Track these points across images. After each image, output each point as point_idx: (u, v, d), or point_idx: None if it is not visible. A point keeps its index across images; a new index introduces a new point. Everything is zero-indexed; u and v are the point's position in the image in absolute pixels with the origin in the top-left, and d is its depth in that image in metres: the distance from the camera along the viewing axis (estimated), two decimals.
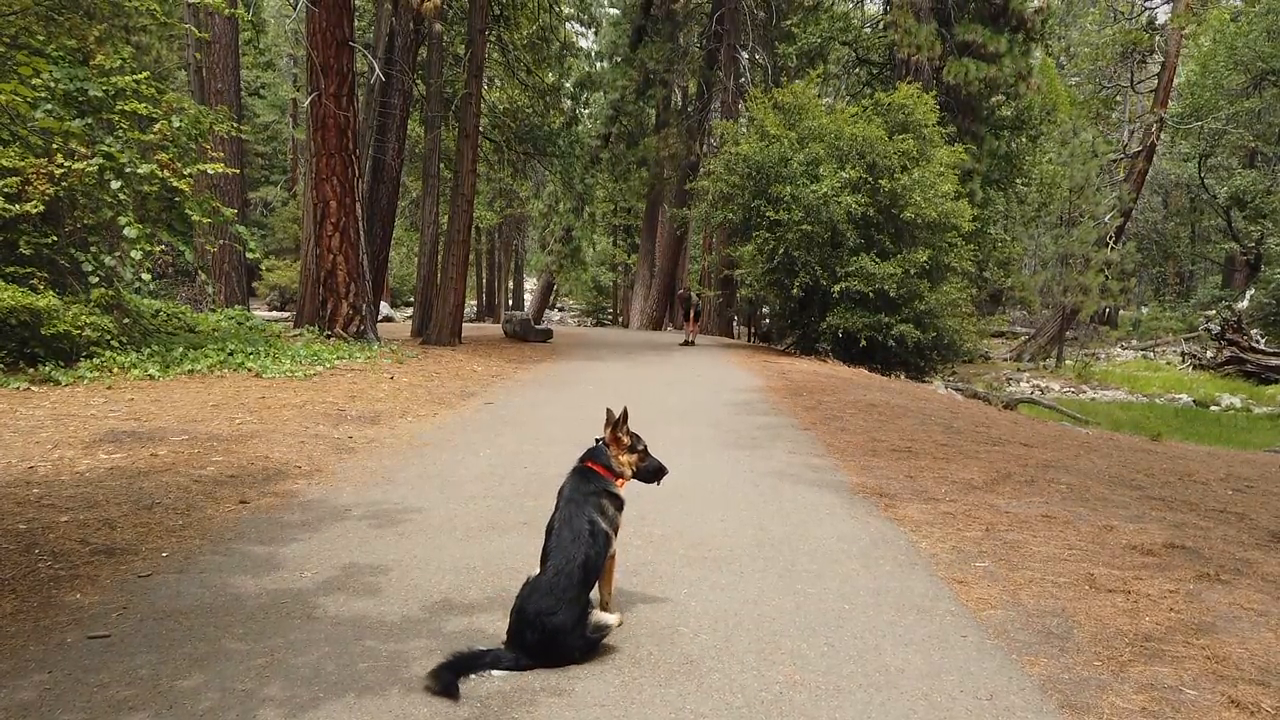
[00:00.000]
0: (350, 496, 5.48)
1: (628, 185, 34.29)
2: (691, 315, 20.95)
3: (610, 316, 49.84)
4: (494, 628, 3.41)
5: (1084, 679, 3.13)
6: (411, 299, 42.19)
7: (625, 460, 3.58)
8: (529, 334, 20.87)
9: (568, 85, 29.13)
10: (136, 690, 2.83)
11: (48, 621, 3.37)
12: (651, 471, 3.69)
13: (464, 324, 19.15)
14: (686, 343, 20.24)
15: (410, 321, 26.41)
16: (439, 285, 18.03)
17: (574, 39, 30.36)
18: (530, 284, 56.60)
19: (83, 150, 9.95)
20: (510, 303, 51.75)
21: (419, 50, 19.75)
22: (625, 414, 3.61)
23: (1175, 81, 39.60)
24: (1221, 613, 3.85)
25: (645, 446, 3.66)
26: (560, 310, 55.55)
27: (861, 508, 5.57)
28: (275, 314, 30.58)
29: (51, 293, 9.76)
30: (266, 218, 43.97)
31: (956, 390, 16.98)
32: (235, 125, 12.31)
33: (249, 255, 11.71)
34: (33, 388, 8.78)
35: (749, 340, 29.14)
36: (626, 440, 3.59)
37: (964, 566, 4.39)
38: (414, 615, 3.53)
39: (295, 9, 32.40)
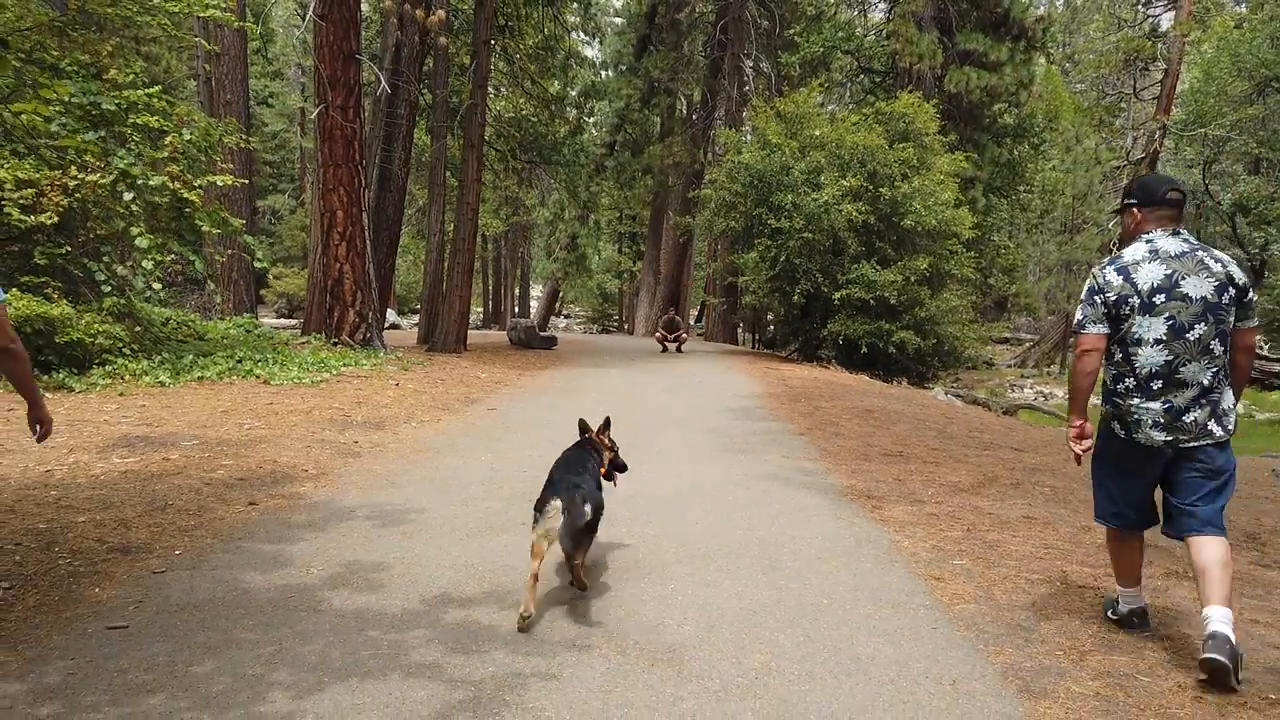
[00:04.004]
0: (355, 498, 5.69)
1: (632, 193, 34.54)
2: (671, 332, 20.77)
3: (615, 323, 50.06)
4: (490, 619, 3.61)
5: (1045, 667, 3.32)
6: (417, 306, 42.54)
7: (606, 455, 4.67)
8: (534, 341, 21.07)
9: (572, 94, 29.42)
10: (154, 675, 3.03)
11: (69, 614, 3.58)
12: (618, 466, 4.75)
13: (469, 331, 19.39)
14: (670, 349, 20.19)
15: (416, 328, 26.67)
16: (445, 293, 18.26)
17: (578, 47, 30.61)
18: (535, 291, 56.89)
19: (96, 163, 10.20)
20: (516, 310, 52.01)
21: (425, 60, 20.03)
22: (608, 421, 4.93)
23: (1179, 88, 39.72)
24: (1185, 607, 4.03)
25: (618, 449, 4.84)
26: (565, 317, 55.80)
27: (848, 509, 5.76)
28: (282, 321, 30.81)
29: (65, 302, 10.02)
30: (274, 226, 44.32)
31: (957, 397, 17.14)
32: (244, 137, 12.57)
33: (257, 264, 11.98)
34: (47, 394, 9.01)
35: (753, 347, 29.31)
36: (608, 441, 4.80)
37: (942, 564, 4.57)
38: (414, 608, 3.73)
39: (304, 21, 32.67)
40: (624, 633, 3.53)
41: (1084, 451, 3.65)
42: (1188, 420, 3.45)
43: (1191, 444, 3.47)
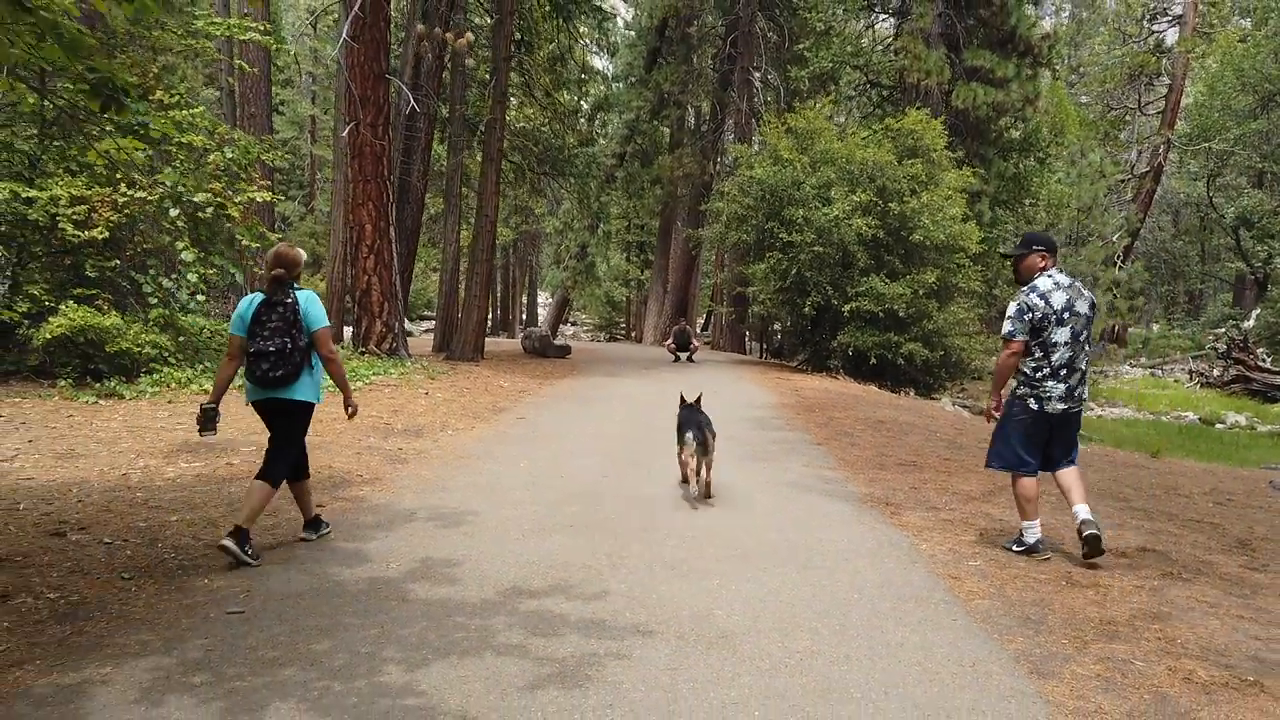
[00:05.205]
0: (412, 502, 6.15)
1: (642, 203, 35.06)
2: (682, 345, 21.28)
3: (623, 331, 50.49)
4: (560, 608, 4.08)
5: (1052, 653, 3.77)
6: (425, 313, 43.00)
7: None
8: (548, 350, 21.57)
9: (585, 107, 29.96)
10: (281, 652, 3.49)
11: (188, 601, 4.04)
12: None
13: None
14: (681, 359, 20.75)
15: (426, 335, 27.08)
16: (463, 302, 18.76)
17: (590, 59, 31.15)
18: (543, 298, 57.42)
19: (144, 180, 10.70)
20: (524, 317, 52.50)
21: (443, 74, 20.57)
22: (700, 396, 7.12)
23: (1183, 103, 40.21)
24: (1178, 604, 4.48)
25: None
26: (573, 325, 56.22)
27: (869, 515, 6.21)
28: None
29: (115, 313, 10.50)
30: (283, 233, 44.74)
31: (964, 407, 17.55)
32: (281, 154, 13.05)
33: (302, 282, 12.43)
34: (101, 402, 9.50)
35: (761, 356, 29.78)
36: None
37: (958, 565, 5.02)
38: (491, 599, 4.20)
39: (314, 29, 33.09)
40: (679, 621, 3.99)
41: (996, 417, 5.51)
42: (1076, 394, 5.19)
43: (1075, 409, 5.23)
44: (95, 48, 4.23)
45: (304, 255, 5.07)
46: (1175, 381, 32.03)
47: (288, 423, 5.00)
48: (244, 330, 4.78)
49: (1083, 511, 5.12)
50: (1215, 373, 29.79)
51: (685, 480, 6.80)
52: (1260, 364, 27.92)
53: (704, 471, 6.45)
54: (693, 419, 6.60)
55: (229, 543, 4.55)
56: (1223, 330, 33.66)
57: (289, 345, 4.75)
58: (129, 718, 2.93)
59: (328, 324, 4.98)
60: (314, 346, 4.92)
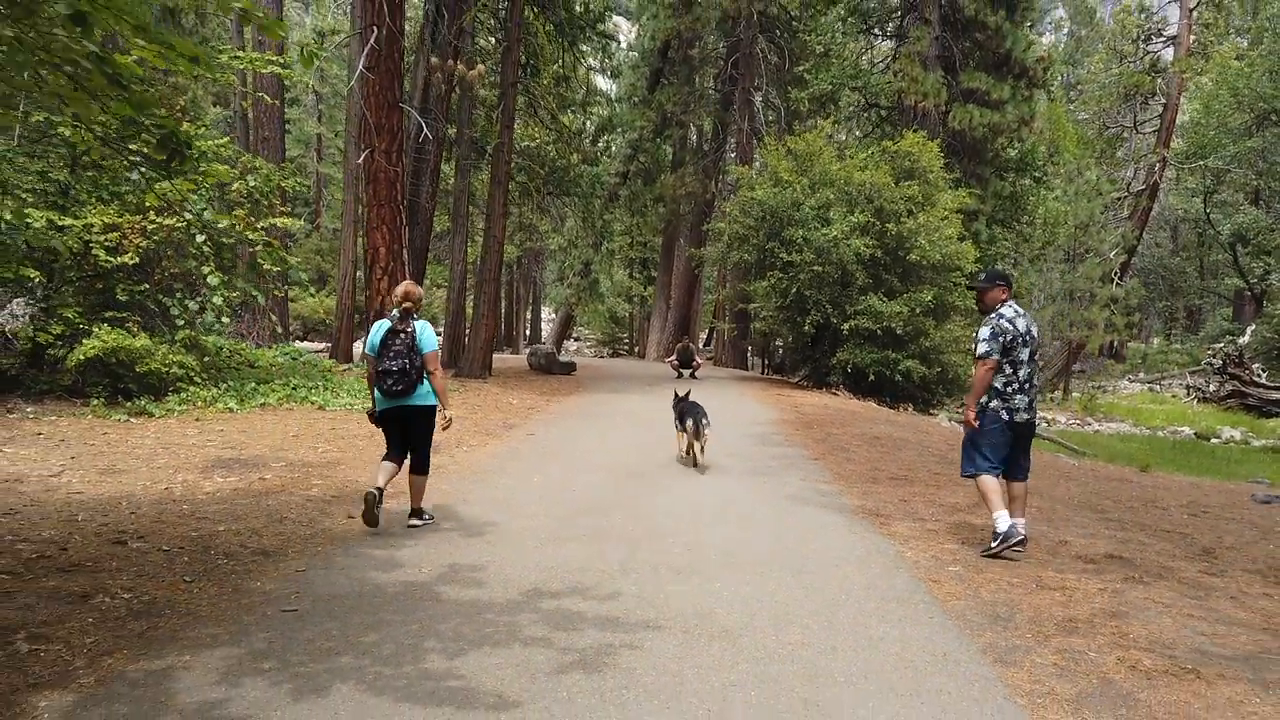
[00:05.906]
0: (436, 514, 6.61)
1: (645, 221, 35.63)
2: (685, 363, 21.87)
3: (626, 347, 50.99)
4: (577, 607, 4.55)
5: (1016, 646, 4.23)
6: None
7: None
8: (554, 366, 22.07)
9: (589, 126, 30.58)
10: (334, 643, 3.97)
11: (245, 601, 4.52)
12: None
13: None
14: (685, 375, 21.26)
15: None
16: (471, 320, 19.27)
17: (594, 79, 31.78)
18: (546, 314, 57.96)
19: (175, 206, 11.21)
20: (528, 332, 52.99)
21: (452, 96, 21.16)
22: (689, 391, 9.60)
23: (1180, 120, 40.80)
24: (1136, 604, 4.94)
25: None
26: (576, 340, 56.71)
27: (860, 525, 6.68)
28: (306, 345, 31.67)
29: (145, 334, 11.00)
30: (292, 251, 45.15)
31: (960, 423, 17.98)
32: (301, 181, 13.60)
33: (308, 298, 12.96)
34: (132, 420, 9.99)
35: (763, 372, 30.24)
36: None
37: (939, 570, 5.49)
38: (515, 599, 4.67)
39: (323, 50, 33.70)
40: (685, 618, 4.46)
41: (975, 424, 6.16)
42: (1034, 405, 6.04)
43: (1032, 419, 6.07)
44: (160, 105, 4.75)
45: (422, 292, 6.41)
46: (1173, 396, 32.44)
47: (421, 424, 6.24)
48: (375, 352, 6.04)
49: (1021, 524, 5.96)
50: (1211, 388, 30.19)
51: (684, 455, 9.06)
52: (1255, 379, 28.34)
53: (698, 448, 8.65)
54: (690, 409, 8.83)
55: (415, 521, 6.26)
56: (1220, 345, 34.02)
57: (407, 365, 5.97)
58: (215, 695, 3.40)
59: (436, 348, 6.16)
60: (422, 364, 6.04)
